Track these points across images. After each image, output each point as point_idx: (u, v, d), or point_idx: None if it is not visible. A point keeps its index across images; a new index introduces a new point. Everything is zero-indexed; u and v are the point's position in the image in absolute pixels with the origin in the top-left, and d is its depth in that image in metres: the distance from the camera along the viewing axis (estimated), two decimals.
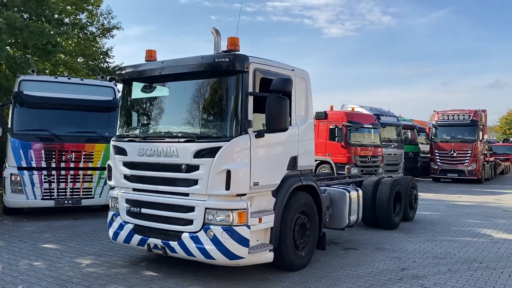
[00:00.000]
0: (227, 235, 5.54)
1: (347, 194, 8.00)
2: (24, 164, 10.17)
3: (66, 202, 10.55)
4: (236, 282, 5.98)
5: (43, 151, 10.31)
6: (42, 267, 6.58)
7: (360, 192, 8.63)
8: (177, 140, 5.93)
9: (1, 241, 8.18)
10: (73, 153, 10.57)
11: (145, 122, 6.82)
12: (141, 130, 6.62)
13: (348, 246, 8.27)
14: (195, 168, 5.74)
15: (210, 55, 5.86)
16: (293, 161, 6.55)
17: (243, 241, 5.61)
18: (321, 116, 18.53)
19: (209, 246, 5.61)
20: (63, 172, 10.48)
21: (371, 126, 19.01)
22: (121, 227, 6.53)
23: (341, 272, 6.56)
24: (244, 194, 5.70)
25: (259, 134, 5.81)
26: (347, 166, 17.54)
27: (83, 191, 10.72)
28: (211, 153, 5.65)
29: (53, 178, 10.39)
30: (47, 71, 18.38)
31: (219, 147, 5.60)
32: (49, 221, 10.13)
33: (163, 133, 6.26)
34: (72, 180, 10.59)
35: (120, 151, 6.56)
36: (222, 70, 5.74)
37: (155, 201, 6.15)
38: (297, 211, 6.53)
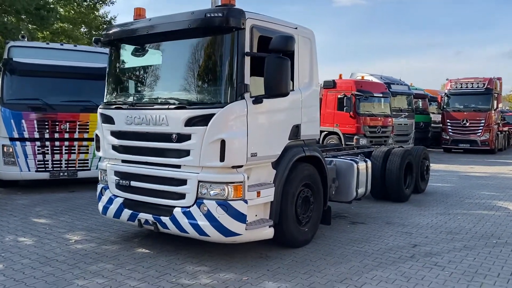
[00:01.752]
0: (222, 210, 5.05)
1: (355, 165, 7.45)
2: (16, 135, 9.72)
3: (61, 174, 10.14)
4: (233, 260, 5.53)
5: (35, 121, 9.83)
6: (28, 243, 6.19)
7: (369, 163, 8.08)
8: (166, 107, 5.38)
9: None
10: (68, 123, 10.09)
11: (134, 88, 6.26)
12: (129, 97, 6.07)
13: (355, 220, 7.78)
14: (187, 137, 5.21)
15: (202, 10, 5.22)
16: (296, 130, 5.99)
17: (240, 217, 5.12)
18: (329, 85, 17.84)
19: (203, 222, 5.14)
20: (57, 143, 10.03)
21: (381, 95, 18.26)
22: (110, 201, 6.07)
23: (347, 249, 6.09)
24: (241, 166, 5.18)
25: (257, 100, 5.24)
26: (355, 137, 16.96)
27: (79, 163, 10.30)
28: (203, 121, 5.10)
29: (47, 150, 9.95)
30: (46, 40, 17.77)
31: (212, 114, 5.05)
32: (44, 194, 9.76)
33: (152, 100, 5.71)
34: (67, 151, 10.15)
35: (108, 120, 6.04)
36: (214, 27, 5.12)
37: (145, 173, 5.66)
38: (300, 184, 6.01)
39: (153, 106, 5.56)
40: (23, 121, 9.75)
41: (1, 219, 7.50)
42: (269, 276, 5.03)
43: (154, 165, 5.59)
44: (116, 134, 5.94)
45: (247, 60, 5.18)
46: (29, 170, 9.84)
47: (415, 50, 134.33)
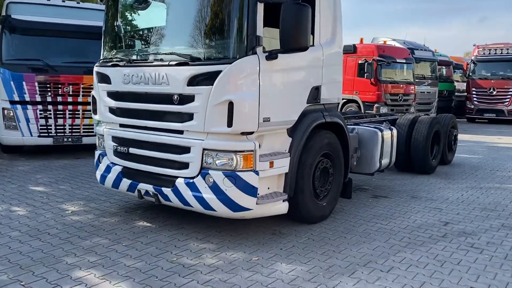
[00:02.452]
0: (230, 182, 4.43)
1: (379, 133, 6.72)
2: (16, 98, 9.18)
3: (65, 140, 9.63)
4: (242, 237, 4.96)
5: (36, 84, 9.26)
6: (21, 213, 5.70)
7: (395, 131, 7.33)
8: (167, 63, 4.70)
9: None
10: (70, 86, 9.50)
11: (132, 43, 5.58)
12: (127, 53, 5.39)
13: (378, 193, 7.12)
14: (190, 99, 4.55)
15: None
16: (315, 92, 5.27)
17: (250, 190, 4.50)
18: (350, 50, 16.81)
19: (208, 195, 4.54)
20: (60, 107, 9.48)
21: (404, 61, 17.24)
22: (108, 169, 5.51)
23: (370, 226, 5.46)
24: (251, 133, 4.52)
25: (271, 55, 4.52)
26: (376, 105, 16.12)
27: (83, 128, 9.76)
28: (208, 79, 4.42)
29: (50, 114, 9.41)
30: None
31: (219, 72, 4.36)
32: (47, 160, 9.29)
33: (151, 56, 5.02)
34: (70, 116, 9.60)
35: (104, 79, 5.40)
36: None
37: (145, 139, 5.06)
38: (319, 153, 5.34)
39: (152, 62, 4.88)
40: (23, 83, 9.19)
41: None
42: (282, 256, 4.44)
43: (154, 130, 4.97)
44: (113, 95, 5.31)
45: (260, 7, 4.44)
46: (31, 135, 9.35)
47: (438, 16, 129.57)
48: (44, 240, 4.77)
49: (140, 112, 5.04)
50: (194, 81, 4.49)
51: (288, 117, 4.93)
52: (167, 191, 4.83)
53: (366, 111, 15.56)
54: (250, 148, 4.48)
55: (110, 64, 5.33)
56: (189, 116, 4.58)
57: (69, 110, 9.56)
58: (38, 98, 9.29)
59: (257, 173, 4.53)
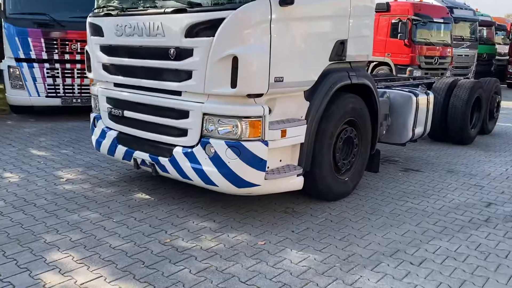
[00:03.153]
0: (233, 153, 3.76)
1: (414, 98, 5.87)
2: (22, 55, 8.62)
3: (74, 101, 9.10)
4: (249, 214, 4.33)
5: (43, 40, 8.66)
6: (12, 180, 5.22)
7: (431, 96, 6.45)
8: (162, 10, 3.96)
9: None
10: (78, 43, 8.85)
11: None
12: (120, 0, 4.65)
13: (408, 166, 6.34)
14: (188, 53, 3.83)
15: None
16: (340, 47, 4.45)
17: (257, 163, 3.82)
18: (383, 8, 15.49)
19: (209, 168, 3.89)
20: (68, 66, 8.89)
21: (441, 21, 15.84)
22: (103, 134, 4.91)
23: (399, 206, 4.74)
24: (260, 95, 3.78)
25: (286, 0, 3.71)
26: (409, 68, 14.95)
27: None
28: (209, 29, 3.68)
29: (57, 73, 8.84)
30: None
31: (222, 19, 3.60)
32: (56, 123, 8.80)
33: (145, 1, 4.28)
34: (79, 75, 9.00)
35: (97, 31, 4.72)
36: None
37: (139, 101, 4.40)
38: (342, 120, 4.59)
39: (146, 10, 4.15)
40: (29, 39, 8.60)
41: None
42: (293, 241, 3.79)
43: (150, 91, 4.30)
44: (106, 50, 4.64)
45: None
46: (39, 95, 8.84)
47: None
48: (27, 212, 4.26)
49: (134, 70, 4.36)
50: (192, 31, 3.75)
51: (305, 77, 4.16)
52: (164, 161, 4.20)
53: (398, 75, 14.50)
54: (258, 114, 3.76)
55: (102, 13, 4.63)
56: (187, 74, 3.88)
57: (78, 69, 8.96)
58: (45, 56, 8.71)
59: (266, 143, 3.83)
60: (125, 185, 5.14)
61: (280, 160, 4.17)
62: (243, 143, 3.75)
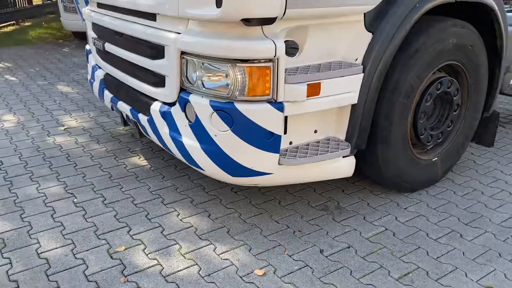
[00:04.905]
0: (222, 122, 2.23)
1: None
2: None
3: None
4: (263, 208, 2.85)
5: None
6: (7, 125, 4.30)
7: None
8: None
9: (26, 68, 6.20)
10: None
11: None
12: None
13: None
14: None
15: None
16: None
17: (263, 139, 2.26)
18: None
19: (189, 141, 2.42)
20: None
21: None
22: (93, 73, 3.66)
23: None
24: (271, 20, 2.10)
25: None
26: None
27: None
28: None
29: None
30: None
31: None
32: None
33: None
34: None
35: None
36: None
37: (117, 28, 2.99)
38: (434, 66, 2.72)
39: None
40: None
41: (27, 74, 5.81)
42: (317, 279, 2.26)
43: (127, 14, 2.85)
44: None
45: None
46: None
47: None
48: None
49: None
50: None
51: None
52: (143, 120, 2.82)
53: None
54: (266, 55, 2.12)
55: None
56: None
57: None
58: None
59: (280, 106, 2.22)
60: (128, 142, 3.91)
61: (315, 131, 2.54)
62: (237, 105, 2.18)
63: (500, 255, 2.39)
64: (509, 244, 2.48)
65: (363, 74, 2.42)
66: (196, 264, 2.31)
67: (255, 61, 2.13)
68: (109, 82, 3.36)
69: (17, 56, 7.55)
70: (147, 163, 3.48)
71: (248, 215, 2.77)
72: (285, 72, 2.20)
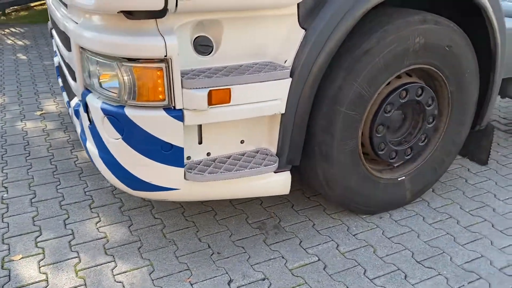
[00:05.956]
0: (113, 129, 1.94)
1: None
2: None
3: None
4: (191, 224, 2.55)
5: None
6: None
7: None
8: None
9: (43, 46, 6.22)
10: None
11: None
12: None
13: None
14: None
15: None
16: None
17: (159, 151, 1.94)
18: None
19: (90, 145, 2.17)
20: None
21: None
22: (55, 58, 3.49)
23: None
24: (161, 14, 1.74)
25: None
26: None
27: None
28: None
29: None
30: None
31: None
32: None
33: None
34: None
35: None
36: None
37: (54, 9, 2.76)
38: (395, 69, 2.26)
39: None
40: None
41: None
42: None
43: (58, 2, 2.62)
44: None
45: None
46: None
47: None
48: None
49: None
50: None
51: None
52: (71, 115, 2.60)
53: None
54: (155, 53, 1.78)
55: None
56: None
57: None
58: None
59: (178, 114, 1.88)
60: None
61: (242, 142, 2.19)
62: (127, 110, 1.88)
63: None
64: None
65: (290, 79, 2.03)
66: (84, 284, 2.07)
67: (144, 60, 1.81)
68: (60, 69, 3.17)
69: (40, 34, 7.62)
70: None
71: (173, 228, 2.49)
72: (183, 75, 1.86)
